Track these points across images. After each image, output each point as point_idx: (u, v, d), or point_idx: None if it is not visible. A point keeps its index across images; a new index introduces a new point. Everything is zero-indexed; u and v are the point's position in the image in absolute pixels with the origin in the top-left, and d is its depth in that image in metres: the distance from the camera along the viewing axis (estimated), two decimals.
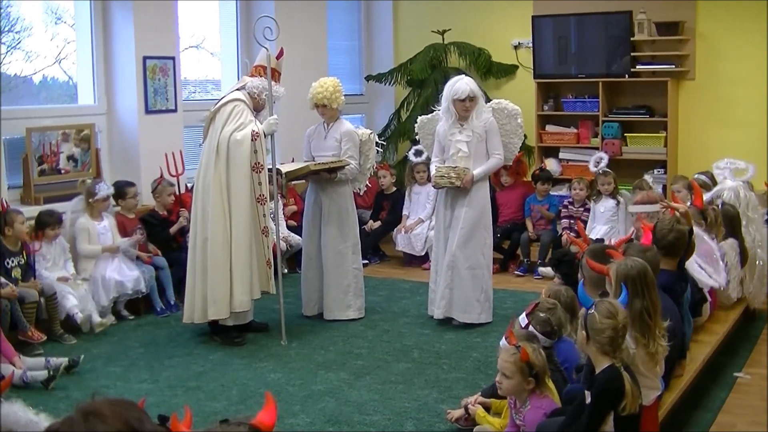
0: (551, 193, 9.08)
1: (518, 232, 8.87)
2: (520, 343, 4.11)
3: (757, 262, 6.80)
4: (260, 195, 6.42)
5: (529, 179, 9.40)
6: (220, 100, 6.67)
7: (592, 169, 8.50)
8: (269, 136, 6.49)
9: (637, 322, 3.97)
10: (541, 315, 4.48)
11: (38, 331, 6.32)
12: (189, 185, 7.66)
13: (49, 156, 7.25)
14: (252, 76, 6.68)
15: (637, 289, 3.98)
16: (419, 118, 7.33)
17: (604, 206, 8.41)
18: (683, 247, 5.16)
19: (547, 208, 8.84)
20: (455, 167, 6.69)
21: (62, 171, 7.37)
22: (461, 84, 6.64)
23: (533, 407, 4.08)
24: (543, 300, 4.65)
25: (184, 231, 7.57)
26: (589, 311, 3.79)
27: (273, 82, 6.55)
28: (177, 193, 7.74)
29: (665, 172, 9.00)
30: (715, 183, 7.32)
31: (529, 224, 8.86)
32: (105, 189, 7.17)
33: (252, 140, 6.35)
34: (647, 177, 8.10)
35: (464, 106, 6.65)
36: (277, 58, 6.60)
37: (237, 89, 6.64)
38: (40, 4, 7.82)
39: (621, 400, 3.63)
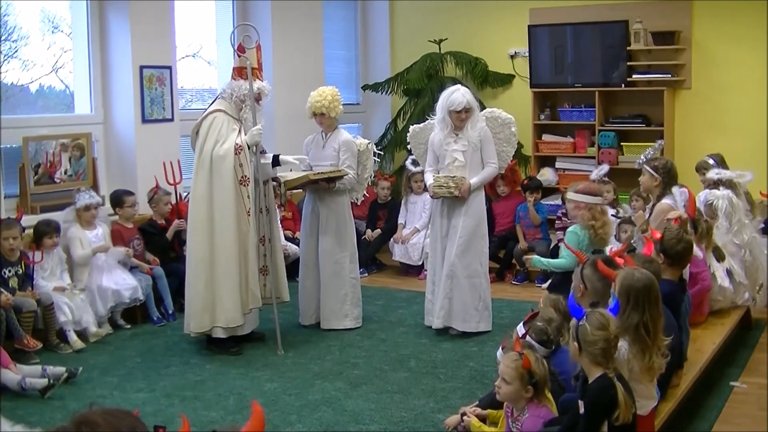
0: (541, 201, 9.08)
1: (514, 242, 8.87)
2: (524, 350, 4.11)
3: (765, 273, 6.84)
4: (250, 209, 6.40)
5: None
6: (204, 112, 6.64)
7: (593, 177, 8.51)
8: (253, 147, 6.44)
9: (632, 335, 3.95)
10: (539, 324, 4.48)
11: (34, 340, 6.31)
12: (185, 195, 7.66)
13: (47, 166, 7.24)
14: (233, 78, 6.60)
15: (638, 303, 3.96)
16: (411, 127, 7.34)
17: None
18: (688, 258, 5.17)
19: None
20: (453, 177, 6.69)
21: (58, 180, 7.36)
22: (457, 95, 6.64)
23: (531, 415, 4.08)
24: (542, 309, 4.65)
25: (181, 241, 7.57)
26: (581, 323, 3.79)
27: (255, 79, 6.46)
28: (173, 201, 7.73)
29: None
30: (724, 163, 7.31)
31: (519, 233, 8.84)
32: (85, 198, 7.09)
33: (236, 154, 6.31)
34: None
35: (460, 118, 6.66)
36: (239, 51, 6.48)
37: (217, 98, 6.61)
38: (37, 13, 7.83)
39: (614, 410, 3.63)
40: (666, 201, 6.16)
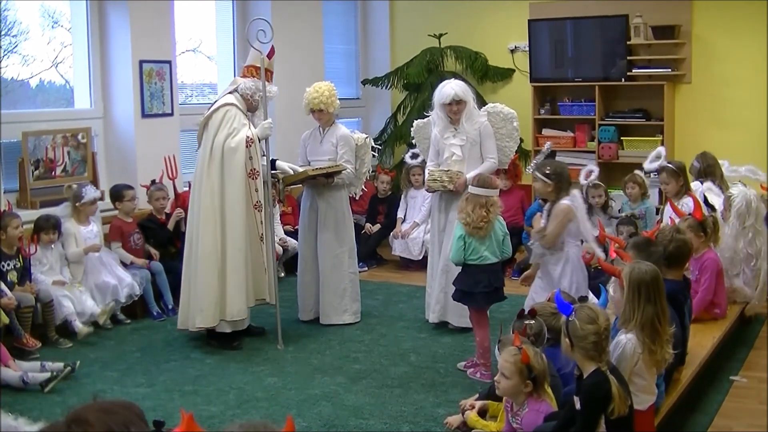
0: None
1: (515, 237, 8.84)
2: (523, 345, 4.11)
3: (762, 274, 6.79)
4: (257, 202, 6.41)
5: (527, 183, 9.40)
6: (212, 105, 6.66)
7: (583, 181, 8.51)
8: (263, 141, 6.48)
9: (648, 328, 3.97)
10: (530, 322, 4.49)
11: (33, 339, 6.30)
12: (186, 187, 7.67)
13: (48, 161, 7.24)
14: (244, 76, 6.64)
15: (650, 296, 3.99)
16: (415, 122, 7.32)
17: (595, 220, 8.40)
18: (686, 255, 5.18)
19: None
20: (448, 171, 6.68)
21: (58, 175, 7.35)
22: (447, 88, 6.62)
23: (531, 410, 4.08)
24: (541, 306, 4.65)
25: (181, 234, 7.57)
26: (570, 318, 3.79)
27: (266, 82, 6.53)
28: (171, 195, 7.73)
29: None
30: (684, 172, 7.32)
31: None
32: (92, 192, 7.10)
33: (246, 147, 6.34)
34: (638, 171, 8.05)
35: (452, 110, 6.62)
36: (269, 57, 6.57)
37: (229, 92, 6.63)
38: (37, 8, 7.82)
39: (609, 404, 3.64)
40: (564, 201, 5.95)
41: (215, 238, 6.37)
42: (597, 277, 5.25)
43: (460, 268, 5.84)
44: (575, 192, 5.71)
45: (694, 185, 7.24)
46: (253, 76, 6.58)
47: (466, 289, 5.74)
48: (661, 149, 7.63)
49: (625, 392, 3.71)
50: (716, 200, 6.99)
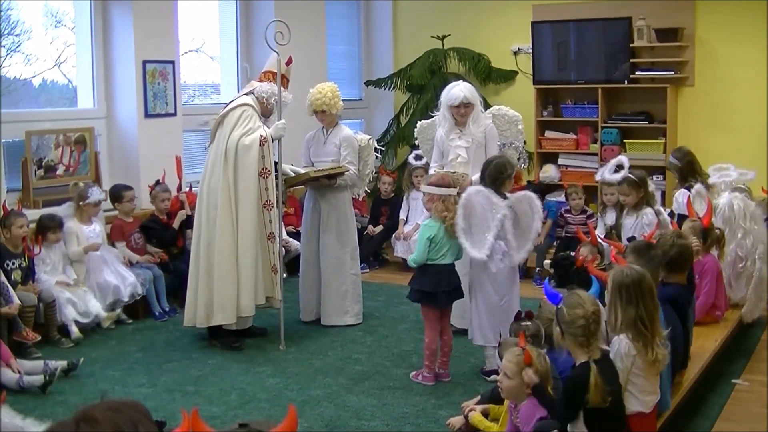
0: (548, 198, 9.06)
1: None
2: (526, 346, 4.11)
3: (754, 274, 6.73)
4: (267, 200, 6.42)
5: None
6: (228, 104, 6.68)
7: (604, 177, 8.47)
8: (276, 141, 6.50)
9: (631, 330, 3.99)
10: (527, 323, 4.49)
11: (33, 333, 6.30)
12: (195, 189, 7.67)
13: (59, 162, 7.25)
14: (261, 81, 6.70)
15: (631, 297, 4.00)
16: (418, 123, 7.31)
17: (610, 218, 8.35)
18: (688, 260, 5.18)
19: (546, 215, 8.77)
20: (454, 173, 6.67)
21: (60, 175, 7.35)
22: (456, 90, 6.60)
23: (529, 402, 4.07)
24: (539, 311, 4.65)
25: (185, 234, 7.57)
26: (558, 306, 3.83)
27: (282, 88, 6.55)
28: (176, 194, 7.74)
29: (664, 179, 8.99)
30: (690, 155, 7.30)
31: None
32: (97, 193, 7.12)
33: (260, 145, 6.36)
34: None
35: (460, 112, 6.61)
36: (287, 64, 6.62)
37: (245, 94, 6.67)
38: (41, 8, 7.82)
39: (586, 393, 3.68)
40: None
41: (233, 235, 6.41)
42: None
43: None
44: (473, 188, 5.77)
45: (681, 193, 7.11)
46: (270, 81, 6.62)
47: (428, 290, 5.72)
48: (623, 158, 7.26)
49: (607, 384, 3.72)
50: (699, 207, 6.70)
